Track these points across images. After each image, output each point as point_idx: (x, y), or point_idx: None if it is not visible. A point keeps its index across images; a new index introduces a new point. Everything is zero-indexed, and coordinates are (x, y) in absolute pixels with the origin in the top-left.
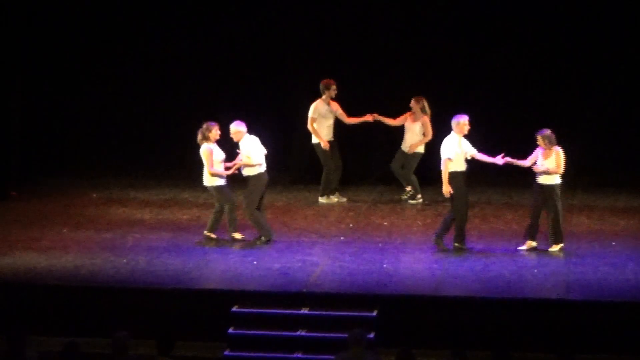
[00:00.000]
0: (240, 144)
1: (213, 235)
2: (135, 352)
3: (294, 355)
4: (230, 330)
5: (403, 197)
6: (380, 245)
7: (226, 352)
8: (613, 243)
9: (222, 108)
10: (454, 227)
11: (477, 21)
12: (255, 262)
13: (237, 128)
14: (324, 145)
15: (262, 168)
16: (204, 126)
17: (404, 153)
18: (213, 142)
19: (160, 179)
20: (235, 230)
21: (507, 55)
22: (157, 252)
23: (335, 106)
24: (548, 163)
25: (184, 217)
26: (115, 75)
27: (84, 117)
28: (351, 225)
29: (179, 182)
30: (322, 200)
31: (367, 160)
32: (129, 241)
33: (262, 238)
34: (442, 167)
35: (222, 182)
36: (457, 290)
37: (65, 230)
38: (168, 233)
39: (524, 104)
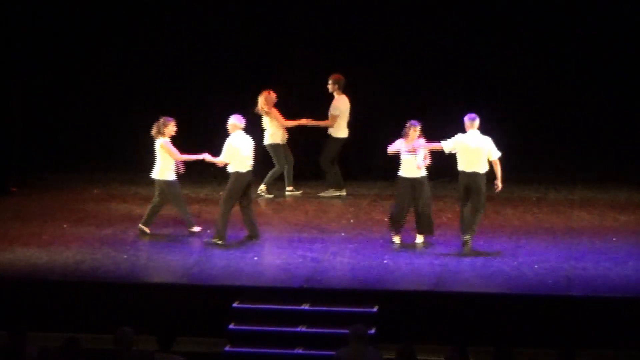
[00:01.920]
0: (229, 137)
1: (147, 230)
2: (136, 348)
3: (295, 351)
4: (231, 326)
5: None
6: (380, 241)
7: (227, 348)
8: (614, 239)
9: (224, 104)
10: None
11: (479, 21)
12: (255, 258)
13: (233, 121)
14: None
15: (244, 168)
16: (161, 121)
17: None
18: (168, 138)
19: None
20: (193, 225)
21: (506, 53)
22: (158, 247)
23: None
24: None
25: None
26: (115, 71)
27: (84, 112)
28: (352, 221)
29: (179, 178)
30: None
31: (369, 156)
32: (130, 237)
33: (213, 239)
34: (498, 166)
35: (174, 177)
36: (457, 286)
37: (65, 225)
38: (169, 229)
39: (523, 101)
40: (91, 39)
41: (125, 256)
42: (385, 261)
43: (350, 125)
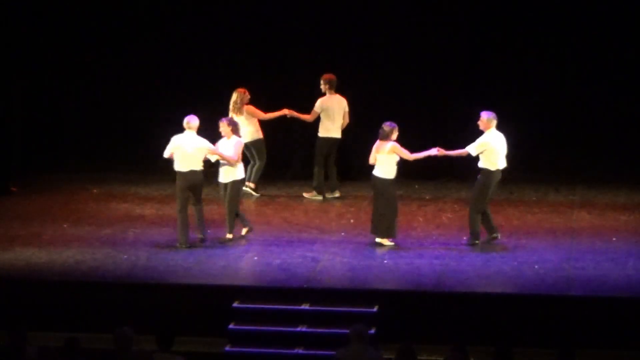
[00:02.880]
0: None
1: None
2: (136, 347)
3: (295, 351)
4: (231, 326)
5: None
6: None
7: (227, 348)
8: (614, 239)
9: (222, 103)
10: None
11: (477, 21)
12: (255, 258)
13: (184, 121)
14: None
15: (184, 167)
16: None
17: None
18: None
19: (160, 175)
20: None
21: (505, 53)
22: (158, 247)
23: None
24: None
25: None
26: (115, 71)
27: (84, 112)
28: (352, 220)
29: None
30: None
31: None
32: (130, 237)
33: (179, 244)
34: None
35: (240, 176)
36: (457, 285)
37: (65, 225)
38: (169, 228)
39: (523, 101)
40: (91, 40)
41: (125, 256)
42: (385, 261)
43: (351, 125)
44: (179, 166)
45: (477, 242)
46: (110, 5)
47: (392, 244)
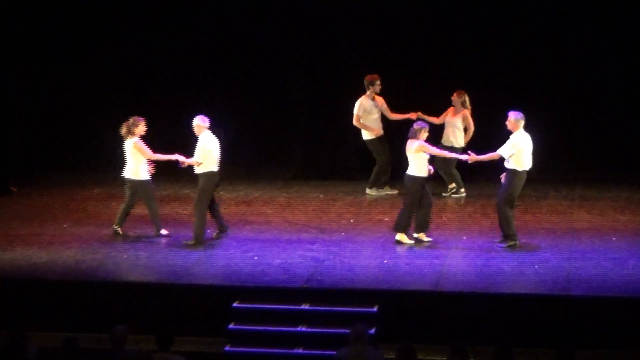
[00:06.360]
0: (200, 138)
1: (120, 230)
2: (136, 347)
3: (295, 351)
4: (231, 326)
5: (445, 194)
6: (381, 240)
7: (227, 348)
8: (614, 238)
9: (222, 103)
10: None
11: (477, 16)
12: (255, 258)
13: (198, 122)
14: (376, 133)
15: (214, 167)
16: (131, 120)
17: (446, 148)
18: (138, 137)
19: (160, 175)
20: (161, 228)
21: (504, 52)
22: (158, 247)
23: (380, 101)
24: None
25: (185, 212)
26: (115, 70)
27: (85, 112)
28: (352, 220)
29: (179, 178)
30: (369, 192)
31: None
32: (130, 237)
33: (190, 241)
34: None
35: (148, 176)
36: (457, 285)
37: (66, 225)
38: (169, 228)
39: (522, 100)
40: (91, 40)
41: (125, 256)
42: (385, 261)
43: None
44: (210, 167)
45: (515, 242)
46: (110, 5)
47: (412, 242)
